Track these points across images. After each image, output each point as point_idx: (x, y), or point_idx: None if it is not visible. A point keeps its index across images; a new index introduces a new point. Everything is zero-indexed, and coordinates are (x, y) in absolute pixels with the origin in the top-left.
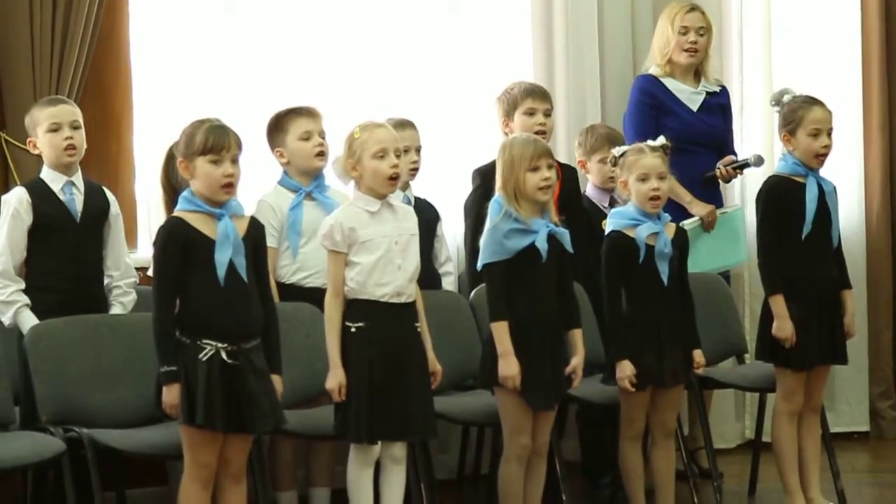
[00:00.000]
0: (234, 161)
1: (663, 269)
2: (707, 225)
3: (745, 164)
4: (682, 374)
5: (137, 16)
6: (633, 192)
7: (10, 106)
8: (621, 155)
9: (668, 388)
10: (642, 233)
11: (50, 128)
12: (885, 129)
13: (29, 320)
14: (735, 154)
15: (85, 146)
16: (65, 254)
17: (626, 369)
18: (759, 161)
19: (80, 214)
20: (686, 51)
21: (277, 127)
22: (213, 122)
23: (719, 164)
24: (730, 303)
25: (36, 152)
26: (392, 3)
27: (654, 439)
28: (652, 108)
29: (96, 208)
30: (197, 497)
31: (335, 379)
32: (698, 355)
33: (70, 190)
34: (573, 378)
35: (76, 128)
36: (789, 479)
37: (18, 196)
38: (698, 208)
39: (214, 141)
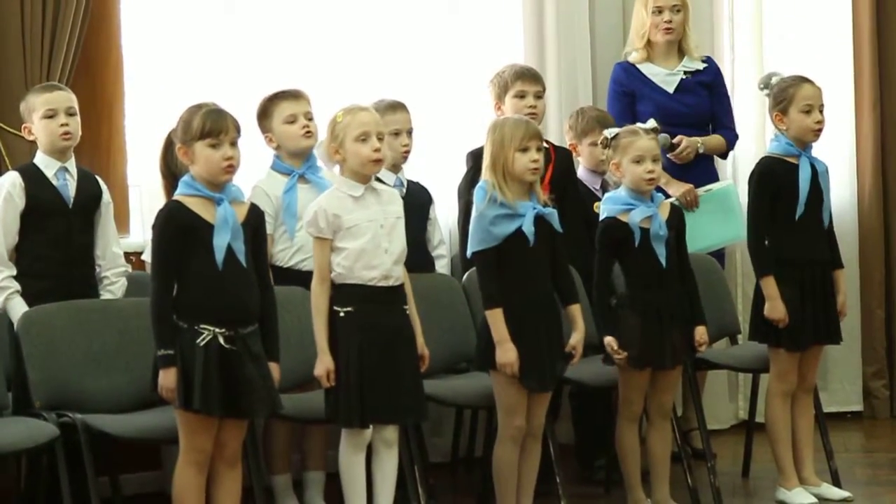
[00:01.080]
0: (234, 144)
1: (660, 252)
2: (687, 204)
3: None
4: (682, 355)
5: None
6: (627, 174)
7: (0, 91)
8: (614, 137)
9: (667, 370)
10: (636, 217)
11: (46, 114)
12: (875, 107)
13: (19, 307)
14: (729, 130)
15: (80, 132)
16: (57, 239)
17: (613, 345)
18: (663, 142)
19: (72, 200)
20: (663, 30)
21: (264, 113)
22: (210, 107)
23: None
24: (722, 283)
25: (31, 138)
26: None
27: (650, 420)
28: (625, 95)
29: (88, 195)
30: (192, 481)
31: (323, 365)
32: (700, 332)
33: (63, 176)
34: (573, 354)
35: (72, 114)
36: (783, 460)
37: (12, 180)
38: (674, 188)
39: (212, 125)
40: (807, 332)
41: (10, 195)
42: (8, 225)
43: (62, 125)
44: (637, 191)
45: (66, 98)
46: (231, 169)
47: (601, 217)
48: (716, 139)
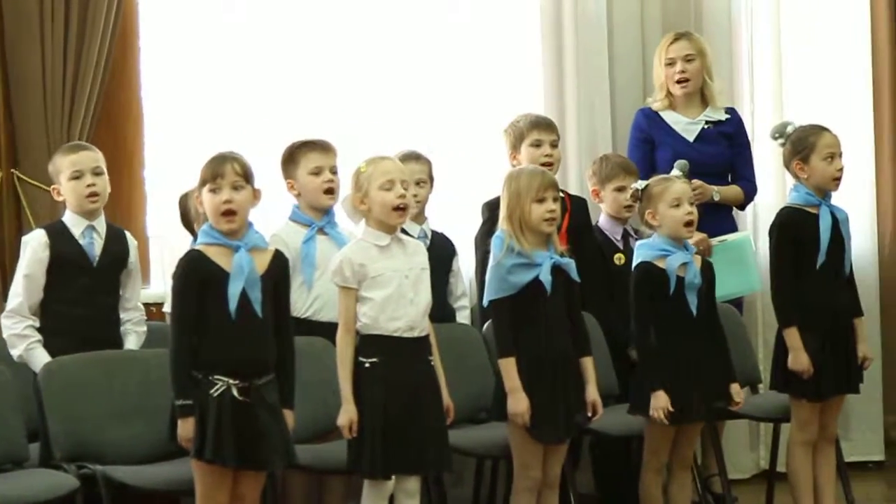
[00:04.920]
0: (235, 188)
1: (692, 301)
2: (699, 254)
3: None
4: (710, 407)
5: (148, 50)
6: (665, 220)
7: (21, 143)
8: (644, 188)
9: (693, 422)
10: (673, 263)
11: (72, 175)
12: (895, 156)
13: (41, 357)
14: (748, 181)
15: (108, 192)
16: (78, 298)
17: (661, 400)
18: (682, 168)
19: (97, 259)
20: (678, 82)
21: (290, 159)
22: (218, 154)
23: None
24: (743, 332)
25: (60, 199)
26: (406, 38)
27: (671, 472)
28: (644, 143)
29: (115, 254)
30: None
31: (346, 415)
32: (736, 391)
33: (90, 234)
34: (595, 411)
35: (98, 174)
36: None
37: (38, 237)
38: None
39: (211, 170)
40: (828, 382)
41: (35, 251)
42: (33, 280)
43: (88, 186)
44: (675, 237)
45: (92, 158)
46: (230, 215)
47: (635, 263)
48: (733, 189)
